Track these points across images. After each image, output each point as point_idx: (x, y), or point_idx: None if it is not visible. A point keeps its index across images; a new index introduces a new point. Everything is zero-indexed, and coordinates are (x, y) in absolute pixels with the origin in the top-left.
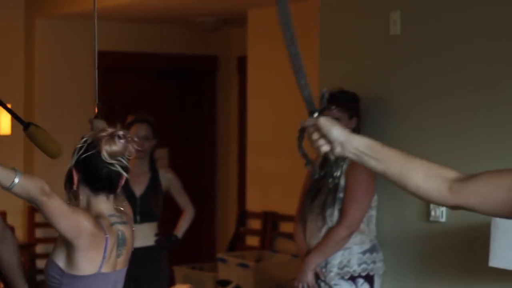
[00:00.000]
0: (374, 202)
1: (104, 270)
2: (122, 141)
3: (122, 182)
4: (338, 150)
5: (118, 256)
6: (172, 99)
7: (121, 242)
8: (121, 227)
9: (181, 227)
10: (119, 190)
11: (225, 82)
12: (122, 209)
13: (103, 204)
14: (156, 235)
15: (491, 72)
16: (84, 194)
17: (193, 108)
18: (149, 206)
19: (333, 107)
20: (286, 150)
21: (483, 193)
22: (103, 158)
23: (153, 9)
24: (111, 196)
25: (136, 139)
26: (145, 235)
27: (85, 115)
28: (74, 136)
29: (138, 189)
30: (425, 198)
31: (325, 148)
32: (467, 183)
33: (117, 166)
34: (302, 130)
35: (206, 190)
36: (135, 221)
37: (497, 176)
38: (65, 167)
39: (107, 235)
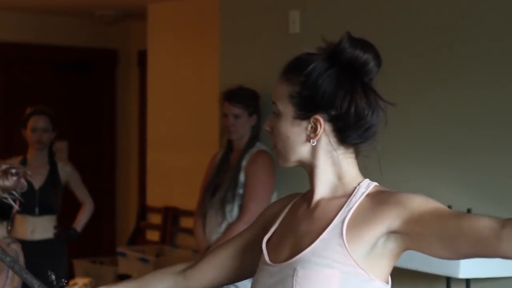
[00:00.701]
0: (274, 198)
1: None
2: (14, 178)
3: (15, 209)
4: None
5: None
6: (72, 92)
7: (16, 259)
8: (14, 246)
9: (80, 221)
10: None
11: (125, 76)
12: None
13: None
14: (55, 227)
15: (390, 69)
16: None
17: (93, 101)
18: (48, 199)
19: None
20: (186, 145)
21: (210, 270)
22: None
23: (53, 1)
24: (5, 223)
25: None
26: (44, 228)
27: None
28: None
29: (37, 182)
30: None
31: None
32: (196, 266)
33: (9, 199)
34: None
35: (106, 184)
36: (34, 214)
37: (216, 251)
38: None
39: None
